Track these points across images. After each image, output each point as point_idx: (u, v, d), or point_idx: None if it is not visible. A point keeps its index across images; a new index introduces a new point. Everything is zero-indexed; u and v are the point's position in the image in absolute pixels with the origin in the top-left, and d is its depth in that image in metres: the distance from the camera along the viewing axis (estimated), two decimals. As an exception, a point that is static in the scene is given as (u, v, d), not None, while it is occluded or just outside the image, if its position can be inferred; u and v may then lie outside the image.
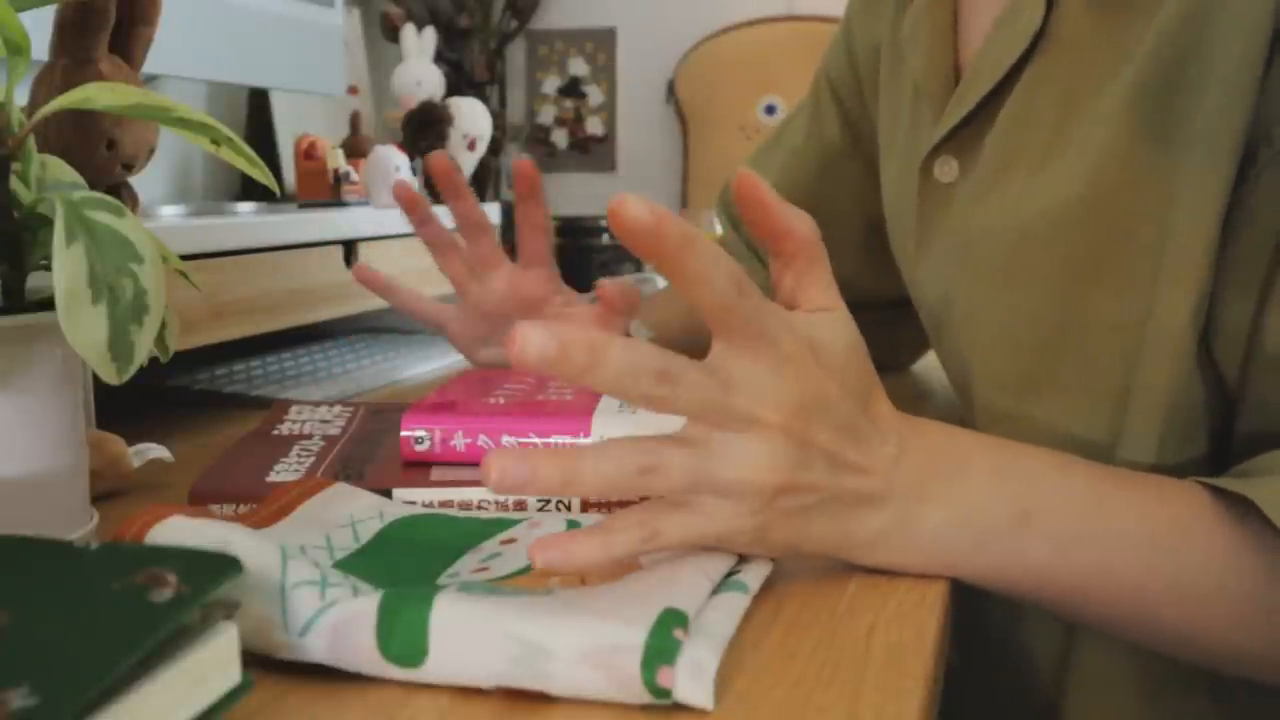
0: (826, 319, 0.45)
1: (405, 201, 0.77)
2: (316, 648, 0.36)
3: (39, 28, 0.49)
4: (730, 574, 0.42)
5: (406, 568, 0.43)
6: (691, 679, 0.34)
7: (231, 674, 0.32)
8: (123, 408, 0.66)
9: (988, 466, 0.47)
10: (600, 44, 2.23)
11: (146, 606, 0.29)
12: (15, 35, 0.43)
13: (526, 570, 0.42)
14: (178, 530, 0.40)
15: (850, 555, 0.45)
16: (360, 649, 0.36)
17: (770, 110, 2.09)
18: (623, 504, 0.51)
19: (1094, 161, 0.54)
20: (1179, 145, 0.51)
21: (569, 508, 0.51)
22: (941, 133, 0.63)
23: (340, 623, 0.36)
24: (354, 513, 0.48)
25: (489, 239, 0.78)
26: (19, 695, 0.25)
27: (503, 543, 0.45)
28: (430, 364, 0.97)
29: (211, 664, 0.31)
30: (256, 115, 1.53)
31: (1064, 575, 0.47)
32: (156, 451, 0.60)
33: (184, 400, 0.84)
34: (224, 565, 0.32)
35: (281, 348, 1.01)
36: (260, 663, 0.37)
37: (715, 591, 0.40)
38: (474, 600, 0.36)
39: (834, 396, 0.43)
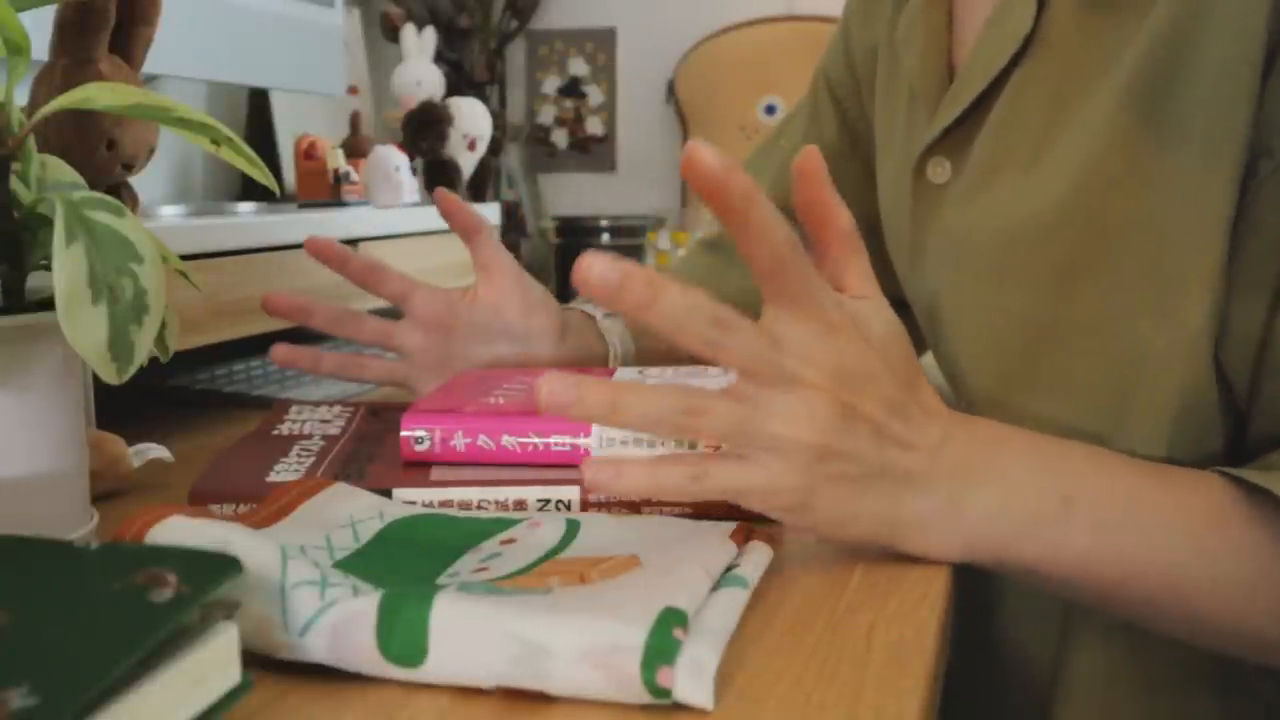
0: (867, 305, 0.46)
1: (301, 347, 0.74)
2: (316, 648, 0.36)
3: (39, 28, 0.49)
4: (729, 568, 0.42)
5: (407, 568, 0.43)
6: (691, 679, 0.34)
7: (231, 674, 0.32)
8: (123, 408, 0.66)
9: (1031, 453, 0.48)
10: (600, 44, 2.23)
11: (146, 606, 0.29)
12: (15, 35, 0.43)
13: (526, 570, 0.42)
14: (178, 530, 0.40)
15: (897, 538, 0.46)
16: (360, 649, 0.36)
17: (770, 110, 2.09)
18: (631, 505, 0.51)
19: (1083, 163, 0.54)
20: (1171, 148, 0.51)
21: (569, 507, 0.51)
22: (934, 134, 0.63)
23: (340, 623, 0.36)
24: (354, 512, 0.48)
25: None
26: (19, 695, 0.25)
27: (503, 542, 0.45)
28: (430, 364, 0.97)
29: (211, 664, 0.31)
30: (256, 115, 1.53)
31: (1105, 564, 0.47)
32: (156, 451, 0.60)
33: (184, 400, 0.84)
34: (224, 565, 0.32)
35: (282, 348, 1.01)
36: (260, 663, 0.36)
37: (715, 587, 0.40)
38: (474, 600, 0.36)
39: (879, 372, 0.44)
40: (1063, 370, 0.56)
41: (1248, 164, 0.49)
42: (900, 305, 0.78)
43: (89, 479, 0.48)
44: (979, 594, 0.51)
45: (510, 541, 0.45)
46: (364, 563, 0.43)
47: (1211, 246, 0.50)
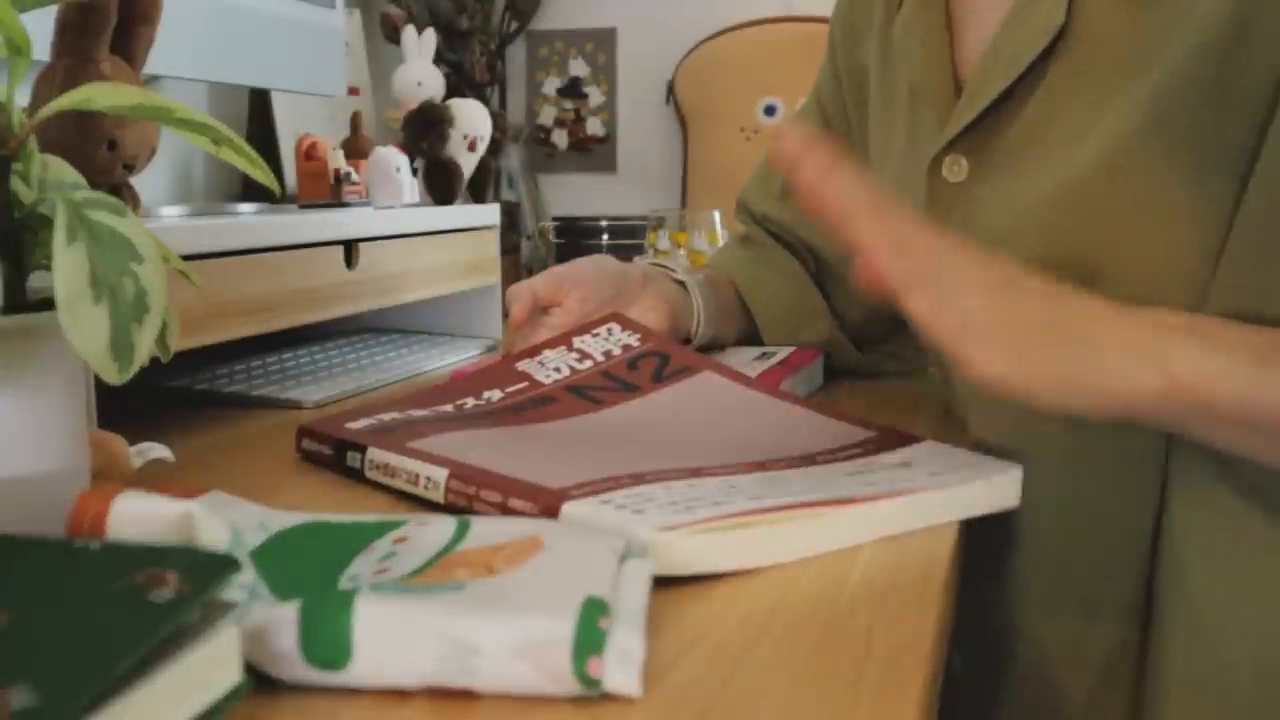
0: None
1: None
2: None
3: (40, 28, 0.49)
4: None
5: (299, 575, 0.42)
6: (620, 668, 0.35)
7: (231, 674, 0.32)
8: (123, 408, 0.66)
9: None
10: (600, 44, 2.22)
11: (146, 606, 0.29)
12: (16, 36, 0.43)
13: (429, 565, 0.42)
14: (137, 505, 0.41)
15: (1104, 370, 0.48)
16: (281, 653, 0.36)
17: (770, 111, 2.09)
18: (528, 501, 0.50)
19: (1116, 162, 0.54)
20: (1207, 149, 0.52)
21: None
22: (952, 133, 0.63)
23: (260, 627, 0.36)
24: (235, 520, 0.46)
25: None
26: (20, 695, 0.25)
27: (396, 541, 0.45)
28: (430, 363, 0.97)
29: (211, 664, 0.31)
30: (257, 116, 1.53)
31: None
32: (158, 451, 0.60)
33: (184, 400, 0.84)
34: (224, 565, 0.32)
35: (282, 348, 1.01)
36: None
37: (622, 560, 0.41)
38: (395, 600, 0.36)
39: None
40: None
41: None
42: (890, 319, 0.79)
43: (90, 479, 0.48)
44: (983, 595, 0.51)
45: (403, 540, 0.45)
46: (261, 570, 0.43)
47: (1216, 238, 0.50)
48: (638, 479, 0.51)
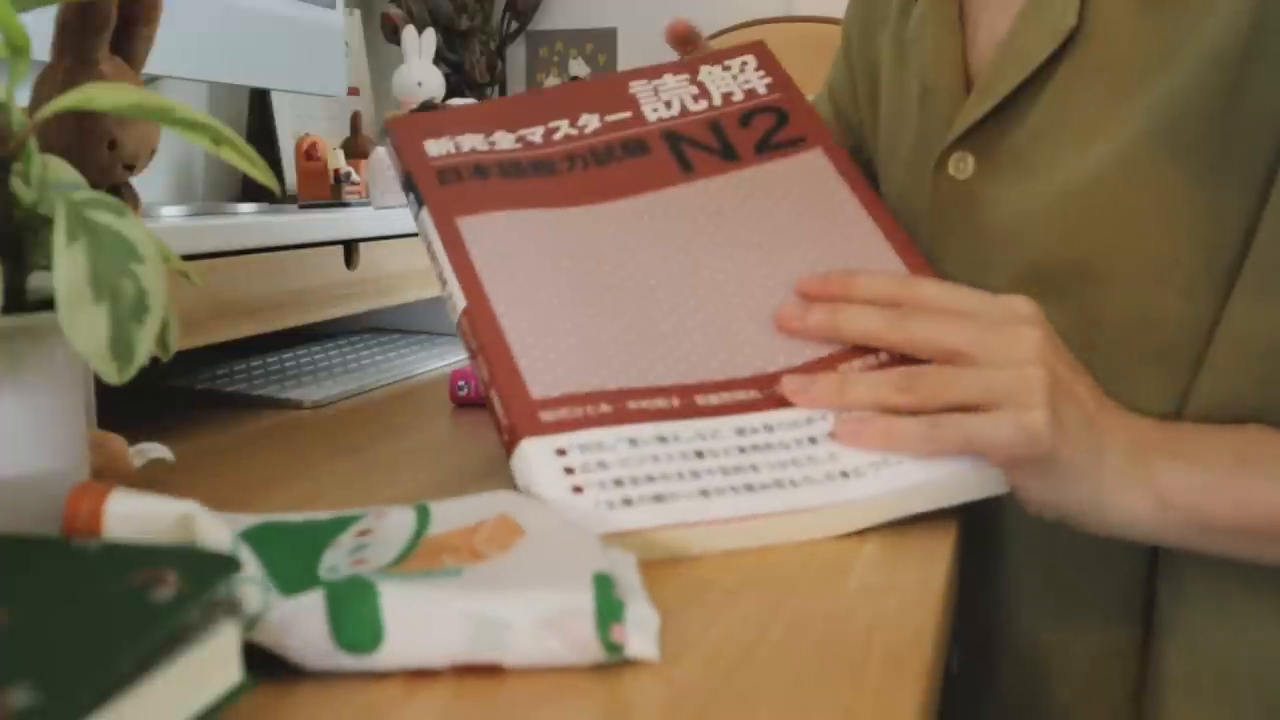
0: None
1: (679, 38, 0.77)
2: (263, 637, 0.36)
3: (40, 28, 0.49)
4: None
5: (278, 571, 0.42)
6: (640, 635, 0.36)
7: (231, 674, 0.32)
8: (123, 408, 0.66)
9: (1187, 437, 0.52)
10: (600, 44, 2.22)
11: (146, 606, 0.29)
12: (16, 36, 0.43)
13: (410, 552, 0.42)
14: (131, 503, 0.41)
15: (1102, 492, 0.50)
16: (310, 639, 0.36)
17: (771, 111, 2.09)
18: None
19: (1126, 161, 0.54)
20: (1212, 162, 0.52)
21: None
22: (960, 129, 0.62)
23: (288, 616, 0.36)
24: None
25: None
26: (20, 695, 0.25)
27: (360, 534, 0.45)
28: (430, 363, 0.97)
29: (211, 664, 0.31)
30: (257, 116, 1.53)
31: None
32: (158, 451, 0.60)
33: (184, 400, 0.84)
34: (224, 565, 0.32)
35: (282, 348, 1.01)
36: (260, 663, 0.36)
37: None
38: (418, 584, 0.37)
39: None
40: (1105, 375, 0.56)
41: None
42: None
43: (90, 479, 0.48)
44: (983, 595, 0.51)
45: (368, 533, 0.45)
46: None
47: (1227, 250, 0.51)
48: (620, 412, 0.50)
